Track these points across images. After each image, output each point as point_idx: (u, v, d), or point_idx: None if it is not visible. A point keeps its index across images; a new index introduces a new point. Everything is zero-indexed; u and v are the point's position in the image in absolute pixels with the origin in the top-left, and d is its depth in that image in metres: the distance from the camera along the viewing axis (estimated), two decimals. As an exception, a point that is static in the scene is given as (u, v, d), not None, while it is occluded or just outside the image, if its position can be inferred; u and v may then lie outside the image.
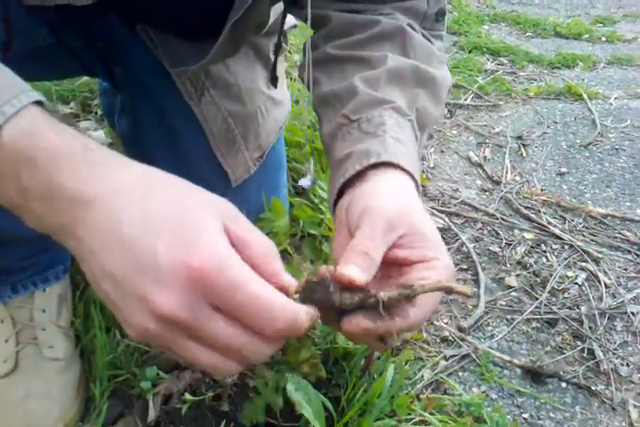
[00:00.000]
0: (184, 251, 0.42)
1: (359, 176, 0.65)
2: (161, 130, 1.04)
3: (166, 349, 0.46)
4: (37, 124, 0.44)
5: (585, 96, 2.29)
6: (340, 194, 0.67)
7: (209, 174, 1.04)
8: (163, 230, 0.43)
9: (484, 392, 1.03)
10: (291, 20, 1.15)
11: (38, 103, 0.46)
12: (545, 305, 1.24)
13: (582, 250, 1.42)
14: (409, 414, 0.94)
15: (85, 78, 1.70)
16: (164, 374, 0.93)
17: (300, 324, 0.46)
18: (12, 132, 0.43)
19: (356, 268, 0.52)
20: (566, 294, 1.29)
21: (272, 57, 1.09)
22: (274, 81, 1.07)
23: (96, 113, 1.68)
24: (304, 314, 0.46)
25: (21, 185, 0.44)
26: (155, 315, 0.42)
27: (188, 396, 0.89)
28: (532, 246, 1.43)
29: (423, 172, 1.69)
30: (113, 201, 0.44)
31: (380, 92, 0.73)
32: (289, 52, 2.26)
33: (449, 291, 0.51)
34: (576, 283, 1.32)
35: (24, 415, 0.85)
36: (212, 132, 1.01)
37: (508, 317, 1.21)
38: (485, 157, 1.84)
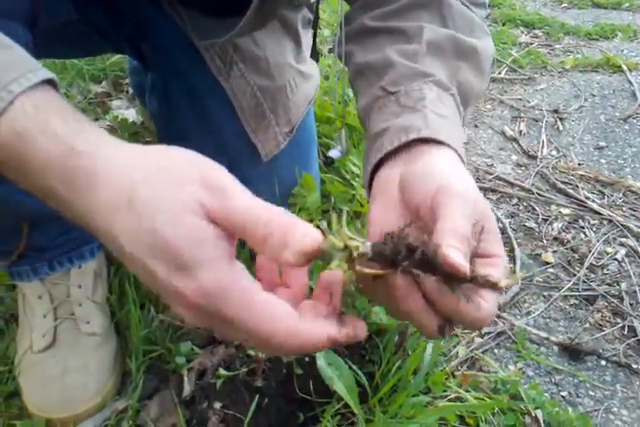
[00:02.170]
0: (177, 278, 0.41)
1: (398, 151, 0.62)
2: (191, 107, 1.03)
3: None
4: (27, 122, 0.43)
5: (624, 67, 2.21)
6: (376, 168, 0.65)
7: (239, 150, 1.03)
8: (151, 253, 0.42)
9: (520, 369, 1.02)
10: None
11: (46, 82, 0.45)
12: (583, 282, 1.21)
13: (622, 225, 1.38)
14: (444, 390, 0.93)
15: (117, 57, 1.70)
16: (199, 349, 0.93)
17: (316, 346, 0.43)
18: (5, 128, 0.42)
19: (461, 255, 0.45)
20: (605, 271, 1.25)
21: (300, 30, 1.07)
22: (315, 55, 1.05)
23: (127, 92, 1.67)
24: (322, 339, 0.43)
25: (28, 180, 0.44)
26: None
27: (222, 371, 0.90)
28: (569, 222, 1.40)
29: (456, 147, 1.66)
30: (103, 220, 0.43)
31: (419, 64, 0.70)
32: (318, 27, 2.22)
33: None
34: (615, 259, 1.29)
35: (63, 389, 0.86)
36: (242, 107, 1.00)
37: (545, 293, 1.19)
38: (521, 131, 1.79)
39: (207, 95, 1.01)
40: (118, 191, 0.42)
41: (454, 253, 0.45)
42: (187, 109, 1.04)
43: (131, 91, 1.66)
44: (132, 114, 1.56)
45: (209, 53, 0.95)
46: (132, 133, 1.45)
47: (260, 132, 1.03)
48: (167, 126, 1.12)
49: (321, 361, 0.84)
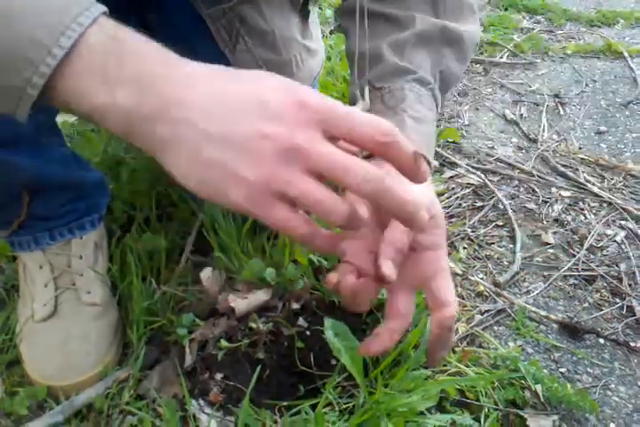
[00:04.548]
0: (294, 92, 0.46)
1: None
2: None
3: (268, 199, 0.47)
4: (116, 29, 0.46)
5: (626, 54, 2.21)
6: None
7: None
8: (268, 84, 0.47)
9: (519, 346, 1.02)
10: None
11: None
12: (583, 262, 1.22)
13: (622, 208, 1.38)
14: (444, 365, 0.94)
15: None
16: (200, 321, 0.93)
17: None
18: (95, 35, 0.45)
19: (392, 265, 0.59)
20: (605, 252, 1.26)
21: (307, 5, 1.06)
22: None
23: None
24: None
25: (109, 77, 0.45)
26: (279, 149, 0.45)
27: (223, 342, 0.90)
28: (569, 204, 1.40)
29: (458, 129, 1.66)
30: (209, 79, 0.47)
31: (405, 58, 0.77)
32: (320, 8, 2.21)
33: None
34: (615, 241, 1.29)
35: (64, 357, 0.86)
36: None
37: (545, 273, 1.19)
38: (521, 115, 1.79)
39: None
40: (218, 66, 0.49)
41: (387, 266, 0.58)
42: None
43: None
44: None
45: (215, 26, 0.95)
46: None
47: None
48: None
49: (329, 333, 0.85)
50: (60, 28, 0.43)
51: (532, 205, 1.38)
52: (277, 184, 0.45)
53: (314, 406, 0.81)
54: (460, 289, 1.12)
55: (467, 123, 1.71)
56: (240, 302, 0.94)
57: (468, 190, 1.42)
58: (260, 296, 0.97)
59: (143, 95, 0.45)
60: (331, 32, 2.08)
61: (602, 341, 1.05)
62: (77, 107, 0.46)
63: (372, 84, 0.76)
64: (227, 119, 0.45)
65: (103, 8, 0.47)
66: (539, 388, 0.91)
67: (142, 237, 1.06)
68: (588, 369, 0.99)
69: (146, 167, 1.26)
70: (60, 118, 1.41)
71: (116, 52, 0.45)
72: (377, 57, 0.78)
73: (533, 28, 2.48)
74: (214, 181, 0.46)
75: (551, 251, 1.25)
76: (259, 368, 0.87)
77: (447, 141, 1.58)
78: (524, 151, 1.61)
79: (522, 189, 1.44)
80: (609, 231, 1.32)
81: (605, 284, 1.17)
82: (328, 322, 0.87)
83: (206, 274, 0.99)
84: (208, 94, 0.46)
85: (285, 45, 1.03)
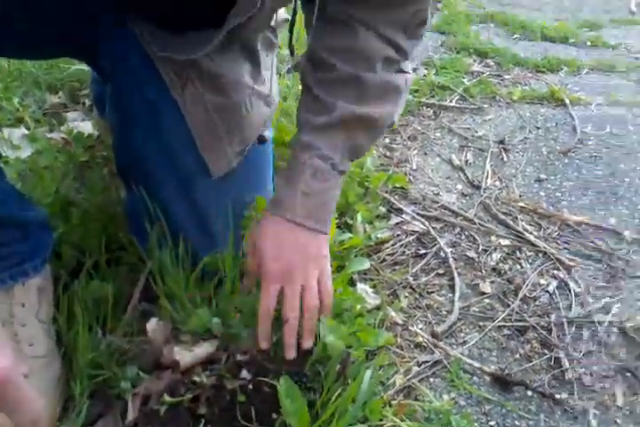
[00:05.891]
0: None
1: None
2: (146, 120, 1.03)
3: None
4: None
5: (567, 101, 2.32)
6: None
7: (191, 165, 1.05)
8: None
9: (453, 399, 1.07)
10: (281, 14, 1.17)
11: None
12: (516, 313, 1.28)
13: (555, 258, 1.46)
14: (380, 419, 0.97)
15: (74, 68, 1.69)
16: (145, 374, 0.95)
17: None
18: None
19: None
20: (537, 302, 1.33)
21: (260, 51, 1.12)
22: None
23: (84, 104, 1.67)
24: None
25: None
26: None
27: (166, 397, 0.91)
28: (507, 253, 1.47)
29: (406, 174, 1.72)
30: None
31: (317, 137, 0.97)
32: (279, 47, 2.25)
33: None
34: (547, 291, 1.36)
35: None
36: (194, 123, 1.02)
37: (481, 323, 1.25)
38: (467, 160, 1.87)
39: (163, 109, 1.02)
40: None
41: None
42: (141, 122, 1.04)
43: (88, 102, 1.66)
44: (87, 127, 1.55)
45: (164, 68, 0.97)
46: (87, 147, 1.45)
47: (212, 149, 1.04)
48: (122, 139, 1.11)
49: (282, 391, 0.88)
50: None
51: (472, 254, 1.45)
52: None
53: (253, 463, 0.83)
54: (399, 340, 1.16)
55: (415, 168, 1.78)
56: (185, 355, 0.96)
57: (412, 238, 1.47)
58: (206, 348, 0.99)
59: None
60: (288, 71, 2.13)
61: (530, 393, 1.11)
62: None
63: (294, 147, 1.00)
64: None
65: None
66: (468, 442, 0.96)
67: (89, 284, 1.07)
68: (516, 422, 1.05)
69: (98, 208, 1.27)
70: (12, 154, 1.41)
71: None
72: (301, 124, 1.01)
73: (483, 72, 2.58)
74: None
75: (487, 301, 1.31)
76: (201, 424, 0.89)
77: (395, 187, 1.64)
78: (467, 198, 1.68)
79: (463, 237, 1.51)
80: (542, 281, 1.39)
81: (536, 335, 1.24)
82: (283, 384, 0.90)
83: (152, 325, 1.00)
84: None
85: (235, 89, 1.05)
